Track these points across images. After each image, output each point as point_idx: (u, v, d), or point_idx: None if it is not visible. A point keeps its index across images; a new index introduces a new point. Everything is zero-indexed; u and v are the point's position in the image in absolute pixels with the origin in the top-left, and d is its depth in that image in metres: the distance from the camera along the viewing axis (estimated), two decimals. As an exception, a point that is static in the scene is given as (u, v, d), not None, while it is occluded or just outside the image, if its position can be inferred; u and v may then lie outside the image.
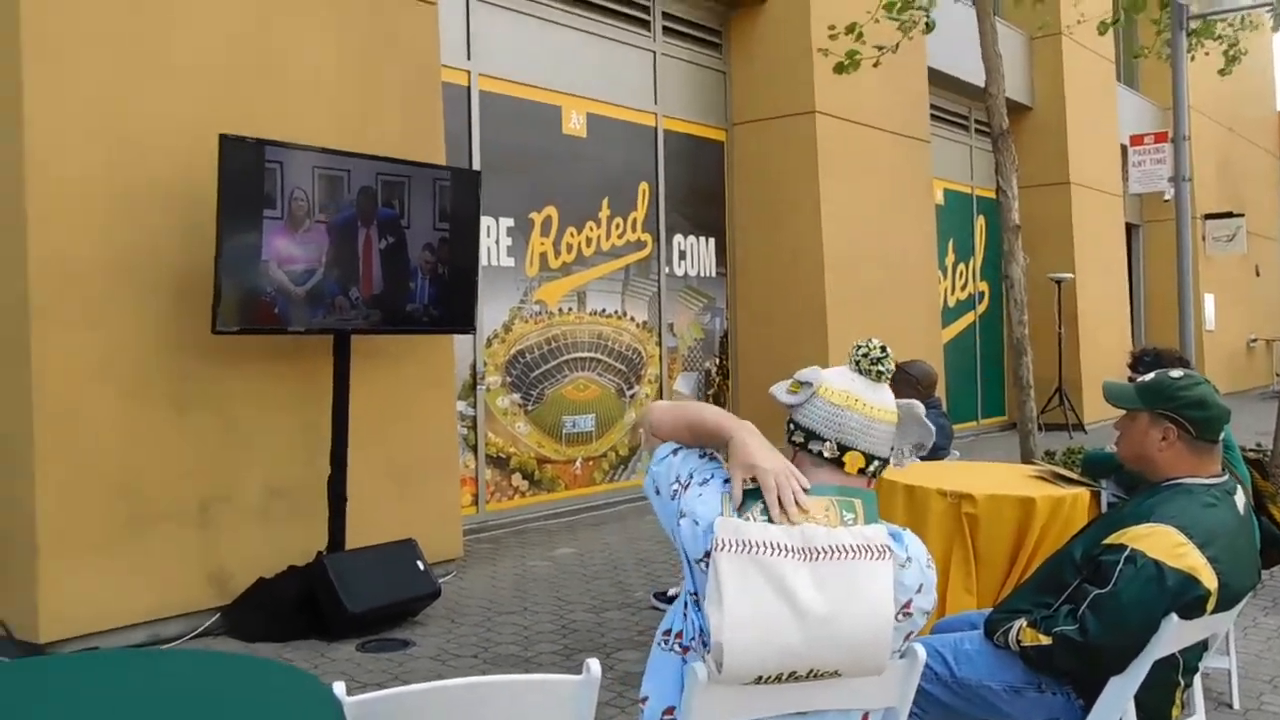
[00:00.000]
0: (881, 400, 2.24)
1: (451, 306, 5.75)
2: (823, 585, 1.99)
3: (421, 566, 5.42)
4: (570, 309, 8.38)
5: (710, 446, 2.23)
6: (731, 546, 1.99)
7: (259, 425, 5.37)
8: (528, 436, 8.00)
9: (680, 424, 2.26)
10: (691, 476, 2.15)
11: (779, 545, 2.00)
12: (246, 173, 4.83)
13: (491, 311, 7.72)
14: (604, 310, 8.67)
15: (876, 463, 2.21)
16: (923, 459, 5.01)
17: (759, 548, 2.00)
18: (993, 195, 8.85)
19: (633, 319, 8.93)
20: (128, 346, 4.91)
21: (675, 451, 2.23)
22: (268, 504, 5.40)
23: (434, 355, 6.28)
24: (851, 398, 2.21)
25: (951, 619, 3.35)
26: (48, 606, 4.65)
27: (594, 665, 2.00)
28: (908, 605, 2.08)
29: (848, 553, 2.02)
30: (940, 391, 6.56)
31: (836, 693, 2.10)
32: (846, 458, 2.18)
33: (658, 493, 2.22)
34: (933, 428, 2.39)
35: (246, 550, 5.29)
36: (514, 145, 7.97)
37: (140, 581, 4.92)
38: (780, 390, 2.29)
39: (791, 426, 2.24)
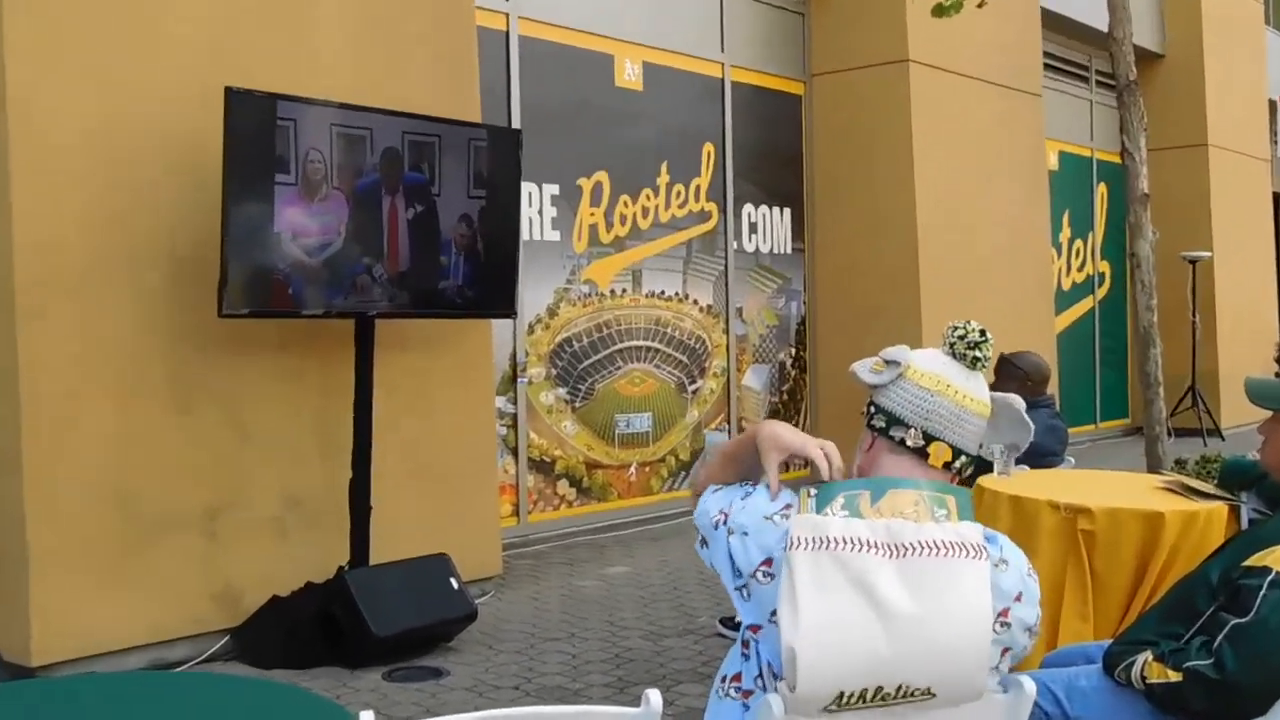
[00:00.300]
0: (976, 389, 2.27)
1: (489, 287, 5.80)
2: (911, 584, 2.01)
3: (456, 585, 5.48)
4: (624, 290, 8.42)
5: (748, 462, 2.26)
6: (807, 544, 2.02)
7: (271, 423, 5.46)
8: (575, 438, 8.06)
9: (714, 465, 2.33)
10: (732, 501, 2.20)
11: (862, 541, 2.03)
12: (256, 132, 4.91)
13: (534, 293, 7.78)
14: (663, 292, 8.70)
15: (964, 459, 2.24)
16: (1033, 466, 5.03)
17: (839, 544, 2.02)
18: (1116, 159, 8.75)
19: (696, 302, 8.96)
20: (123, 335, 5.01)
21: (713, 491, 2.27)
22: (282, 513, 5.49)
23: (469, 343, 6.35)
24: (943, 382, 2.24)
25: (1065, 651, 3.35)
26: (40, 627, 4.76)
27: (654, 697, 2.03)
28: (1005, 613, 2.10)
29: (939, 549, 2.04)
30: (1053, 389, 6.51)
31: None
32: (932, 449, 2.21)
33: (704, 544, 2.24)
34: (1031, 425, 2.40)
35: (258, 565, 5.38)
36: (559, 100, 8.02)
37: (140, 600, 5.03)
38: (863, 368, 2.32)
39: (872, 409, 2.29)
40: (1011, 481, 4.48)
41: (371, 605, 5.12)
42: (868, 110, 9.77)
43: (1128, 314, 13.40)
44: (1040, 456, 5.24)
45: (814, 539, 2.02)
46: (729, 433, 9.15)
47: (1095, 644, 3.30)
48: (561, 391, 7.99)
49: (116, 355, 4.99)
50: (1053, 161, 12.48)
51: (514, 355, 7.66)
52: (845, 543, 2.02)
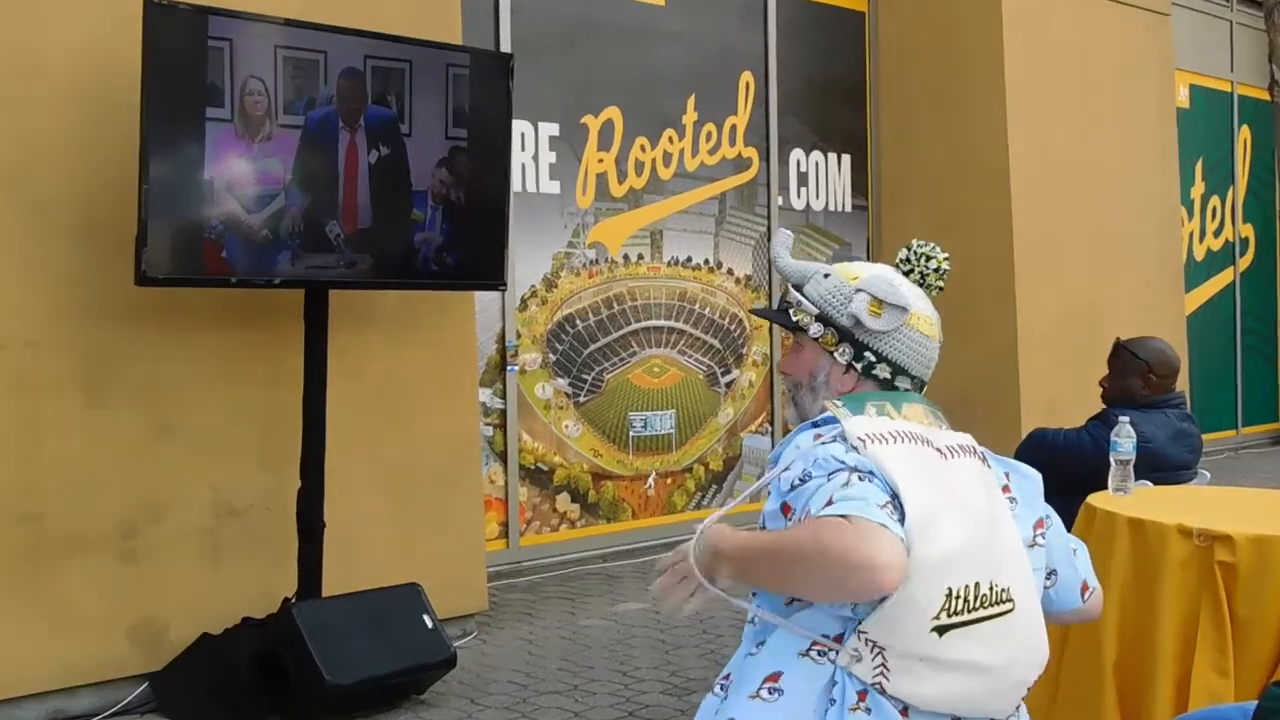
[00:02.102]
0: (937, 317, 2.74)
1: (471, 251, 5.82)
2: (969, 480, 2.49)
3: (429, 623, 5.51)
4: (640, 257, 8.44)
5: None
6: (880, 439, 2.42)
7: (202, 419, 5.49)
8: (579, 440, 8.09)
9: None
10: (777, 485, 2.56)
11: (918, 436, 2.49)
12: (182, 56, 4.92)
13: (528, 259, 7.81)
14: (689, 259, 8.72)
15: None
16: (1159, 482, 5.04)
17: (905, 438, 2.46)
18: (1264, 95, 8.75)
19: (730, 272, 8.98)
20: (18, 313, 5.04)
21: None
22: (215, 529, 5.53)
23: (447, 321, 6.38)
24: (935, 325, 2.71)
25: (1199, 714, 3.36)
26: (-90, 669, 4.82)
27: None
28: (1040, 524, 2.67)
29: (967, 453, 2.55)
30: (1183, 384, 6.51)
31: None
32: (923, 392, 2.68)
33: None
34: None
35: (185, 594, 5.41)
36: (560, 18, 8.04)
37: (39, 638, 5.06)
38: (861, 309, 2.61)
39: (870, 356, 2.63)
40: (1131, 500, 4.49)
41: (324, 647, 5.13)
42: (949, 32, 9.76)
43: (1277, 290, 13.37)
44: (1167, 470, 5.24)
45: (886, 433, 2.44)
46: (773, 438, 9.17)
47: (1236, 706, 3.30)
48: (562, 383, 8.01)
49: (10, 338, 5.02)
50: (1183, 97, 12.44)
51: (502, 337, 7.69)
52: (909, 438, 2.46)
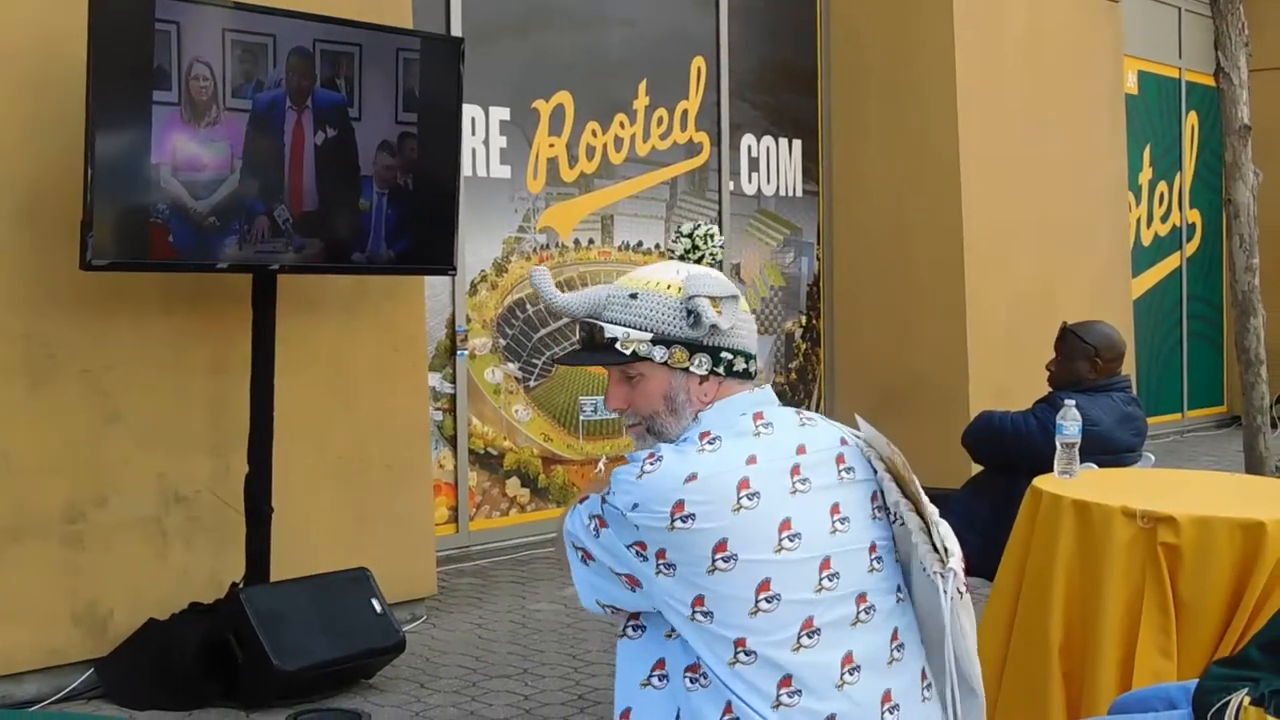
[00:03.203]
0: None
1: (421, 235, 5.81)
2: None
3: (379, 608, 5.51)
4: (591, 241, 8.44)
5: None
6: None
7: (148, 403, 5.47)
8: (529, 425, 8.09)
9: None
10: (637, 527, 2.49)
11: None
12: (128, 38, 4.90)
13: (478, 243, 7.79)
14: (639, 244, 8.72)
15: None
16: (1104, 464, 5.07)
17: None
18: (1210, 81, 8.81)
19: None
20: (-38, 289, 5.01)
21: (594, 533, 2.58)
22: (161, 515, 5.51)
23: (396, 306, 6.36)
24: (740, 298, 2.65)
25: (1141, 694, 3.39)
26: None
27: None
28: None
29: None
30: (1129, 369, 6.57)
31: None
32: (751, 364, 2.69)
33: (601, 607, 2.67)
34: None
35: (131, 580, 5.39)
36: (511, 1, 8.00)
37: (-20, 623, 5.03)
38: (708, 309, 2.56)
39: (726, 356, 2.62)
40: (1076, 483, 4.51)
41: (272, 632, 5.13)
42: (900, 18, 9.78)
43: (1223, 275, 13.46)
44: (1113, 453, 5.28)
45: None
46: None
47: (1178, 685, 3.33)
48: (512, 367, 8.01)
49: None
50: (1131, 84, 12.51)
51: (452, 321, 7.68)
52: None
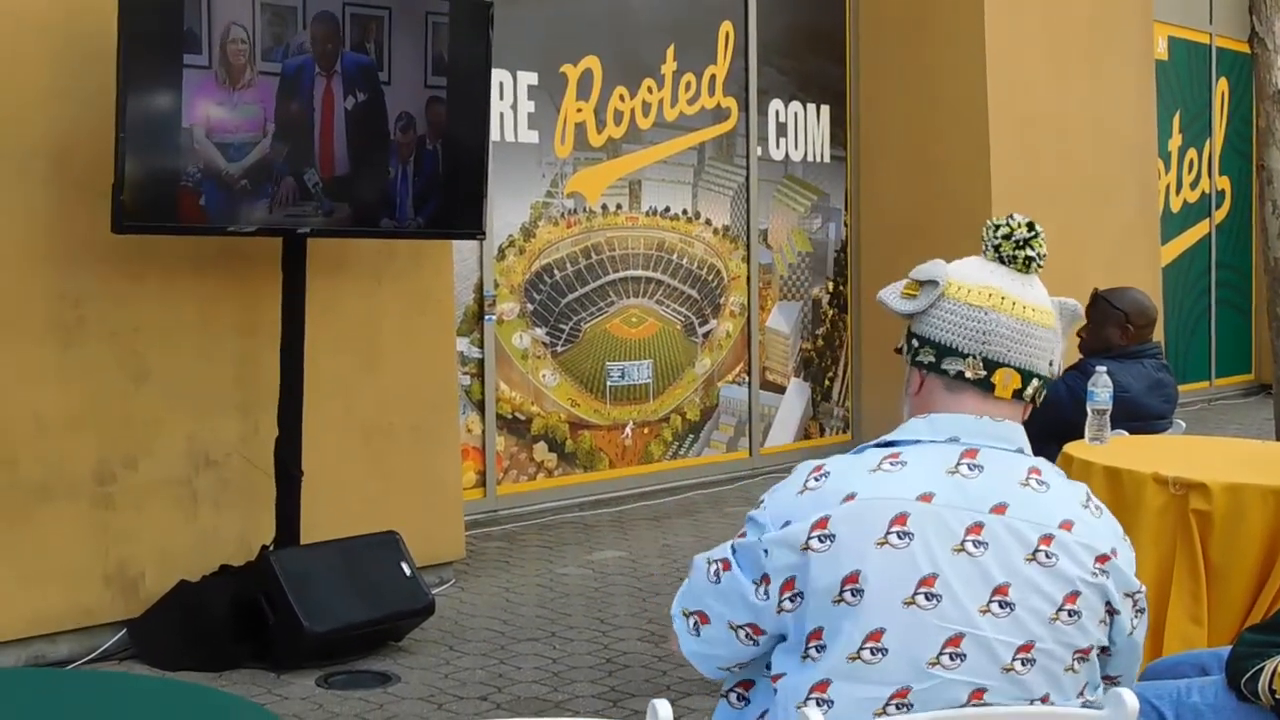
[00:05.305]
0: (1036, 297, 2.37)
1: (450, 200, 5.80)
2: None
3: (408, 571, 5.52)
4: (619, 207, 8.42)
5: None
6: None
7: (179, 365, 5.48)
8: (556, 390, 8.09)
9: None
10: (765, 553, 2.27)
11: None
12: (158, 2, 4.90)
13: (506, 208, 7.78)
14: (667, 210, 8.70)
15: (1035, 382, 2.34)
16: (1135, 431, 5.06)
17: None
18: (1243, 47, 8.74)
19: (708, 223, 8.96)
20: (-6, 254, 5.02)
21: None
22: (191, 477, 5.52)
23: (425, 270, 6.36)
24: (997, 294, 2.33)
25: (1173, 660, 3.39)
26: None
27: (663, 709, 2.05)
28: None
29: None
30: (1159, 335, 6.54)
31: None
32: (997, 377, 2.31)
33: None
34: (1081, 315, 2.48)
35: (162, 541, 5.41)
36: (541, -34, 7.99)
37: (14, 583, 5.05)
38: (892, 295, 2.42)
39: (915, 343, 2.38)
40: (1107, 450, 4.51)
41: (303, 594, 5.15)
42: (929, -19, 9.73)
43: (1253, 242, 13.39)
44: (1143, 419, 5.26)
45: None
46: (750, 388, 9.18)
47: (1210, 651, 3.33)
48: (539, 332, 8.00)
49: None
50: (1161, 49, 12.43)
51: (480, 286, 7.67)
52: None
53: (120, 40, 4.79)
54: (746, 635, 2.29)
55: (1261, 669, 2.80)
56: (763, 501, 2.32)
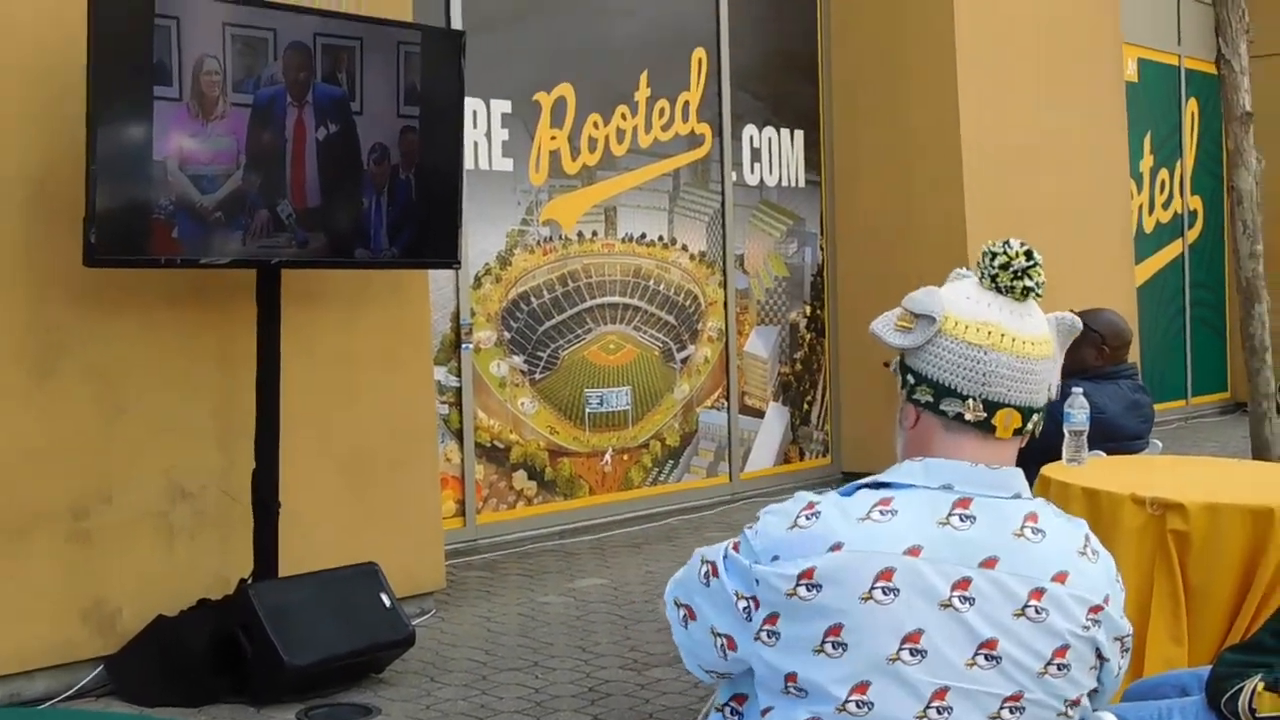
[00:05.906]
0: (1033, 328, 2.28)
1: (424, 229, 5.79)
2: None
3: (387, 602, 5.49)
4: (594, 234, 8.42)
5: None
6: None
7: (154, 398, 5.45)
8: (535, 418, 8.07)
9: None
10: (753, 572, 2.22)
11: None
12: (128, 34, 4.89)
13: (481, 237, 7.77)
14: (643, 236, 8.69)
15: (1036, 417, 2.29)
16: (1112, 452, 5.05)
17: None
18: (1211, 69, 8.79)
19: (685, 249, 8.96)
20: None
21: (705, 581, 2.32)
22: (168, 510, 5.49)
23: (400, 300, 6.34)
24: (996, 332, 2.24)
25: (1153, 681, 3.38)
26: None
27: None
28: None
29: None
30: (1134, 356, 6.54)
31: None
32: (998, 419, 2.24)
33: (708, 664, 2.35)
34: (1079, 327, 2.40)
35: (139, 576, 5.38)
36: (513, -5, 7.99)
37: (-11, 620, 5.02)
38: (885, 327, 2.34)
39: (910, 379, 2.30)
40: (1085, 471, 4.50)
41: (282, 627, 5.11)
42: (900, 6, 9.76)
43: (1226, 262, 13.46)
44: (1121, 440, 5.26)
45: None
46: (729, 413, 9.17)
47: (1190, 671, 3.33)
48: (517, 360, 7.99)
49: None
50: (1131, 70, 12.49)
51: (457, 315, 7.66)
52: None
53: (89, 73, 4.78)
54: (722, 647, 2.26)
55: (1241, 689, 2.81)
56: (758, 521, 2.26)
